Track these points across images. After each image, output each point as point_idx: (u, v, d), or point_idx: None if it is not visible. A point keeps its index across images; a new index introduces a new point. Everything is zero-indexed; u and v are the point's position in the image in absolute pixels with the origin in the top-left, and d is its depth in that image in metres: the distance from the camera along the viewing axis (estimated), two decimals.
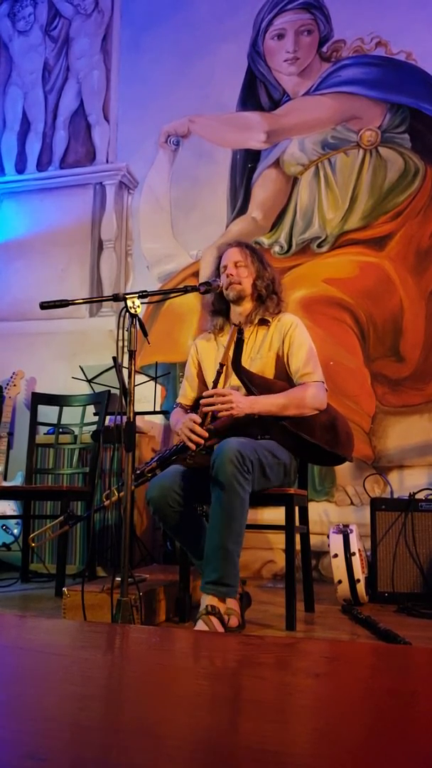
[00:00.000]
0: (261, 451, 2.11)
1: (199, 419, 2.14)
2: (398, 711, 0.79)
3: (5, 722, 0.71)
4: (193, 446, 2.11)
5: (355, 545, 2.61)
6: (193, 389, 2.49)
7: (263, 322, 2.37)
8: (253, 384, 2.23)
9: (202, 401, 2.17)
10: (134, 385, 1.83)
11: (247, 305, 2.39)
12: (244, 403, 2.14)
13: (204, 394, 2.21)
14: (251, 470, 2.02)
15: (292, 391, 2.23)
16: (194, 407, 2.42)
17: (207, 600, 1.96)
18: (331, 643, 1.65)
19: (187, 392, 2.50)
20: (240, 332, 2.27)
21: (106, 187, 4.28)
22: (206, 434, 2.11)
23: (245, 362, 2.30)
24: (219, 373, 2.23)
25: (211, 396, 2.16)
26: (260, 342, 2.36)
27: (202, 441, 2.11)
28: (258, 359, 2.33)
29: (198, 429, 2.12)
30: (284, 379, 2.31)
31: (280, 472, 2.23)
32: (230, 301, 2.40)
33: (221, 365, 2.23)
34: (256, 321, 2.37)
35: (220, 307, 2.44)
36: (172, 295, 2.26)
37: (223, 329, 2.44)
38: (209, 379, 2.42)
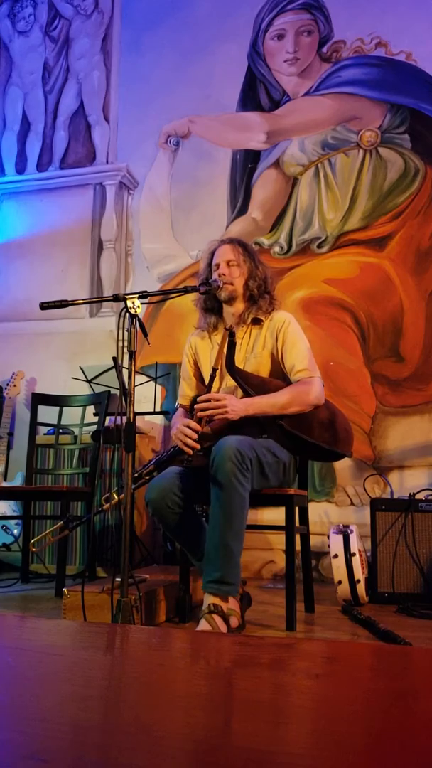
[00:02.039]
0: (260, 449, 2.11)
1: (194, 424, 2.13)
2: (398, 711, 0.79)
3: (6, 723, 0.71)
4: (189, 451, 2.11)
5: (355, 546, 2.61)
6: (192, 388, 2.47)
7: (256, 321, 2.36)
8: (248, 384, 2.22)
9: (196, 406, 2.16)
10: (134, 386, 1.83)
11: (239, 305, 2.37)
12: (238, 406, 2.13)
13: (198, 399, 2.20)
14: (250, 468, 2.01)
15: (293, 387, 2.22)
16: (192, 406, 2.41)
17: (209, 599, 1.96)
18: (331, 644, 1.65)
19: (185, 392, 2.48)
20: (231, 335, 2.25)
21: (106, 188, 4.28)
22: (202, 441, 2.11)
23: (239, 362, 2.29)
24: (212, 378, 2.22)
25: (206, 401, 2.15)
26: (254, 341, 2.34)
27: (198, 446, 2.10)
28: (252, 358, 2.32)
29: (193, 435, 2.10)
30: (279, 377, 2.30)
31: (280, 471, 2.22)
32: (222, 301, 2.38)
33: (214, 370, 2.22)
34: (249, 320, 2.35)
35: (212, 305, 2.42)
36: (172, 295, 2.26)
37: (217, 327, 2.43)
38: (206, 377, 2.42)
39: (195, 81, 4.13)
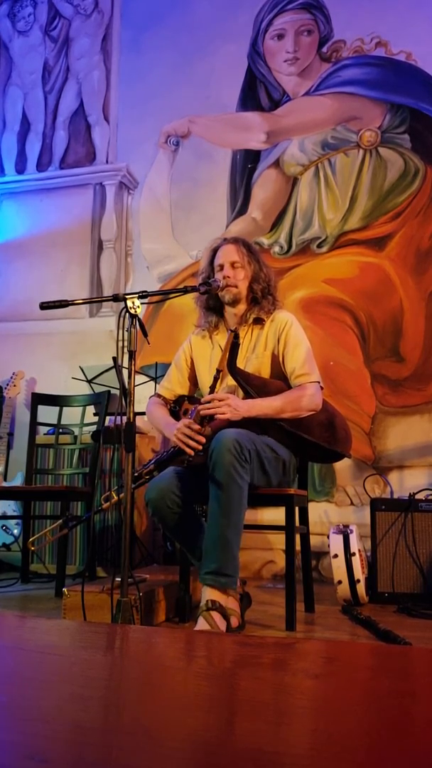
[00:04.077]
0: (260, 444, 2.11)
1: (195, 425, 2.13)
2: (398, 712, 0.79)
3: (5, 723, 0.71)
4: (191, 452, 2.10)
5: (355, 545, 2.61)
6: (180, 384, 2.45)
7: (258, 321, 2.35)
8: (249, 384, 2.22)
9: (199, 406, 2.16)
10: (134, 386, 1.83)
11: (242, 306, 2.36)
12: (241, 407, 2.13)
13: (202, 399, 2.19)
14: (249, 460, 2.01)
15: (288, 393, 2.22)
16: (177, 403, 2.40)
17: (207, 594, 1.95)
18: (331, 644, 1.65)
19: (173, 386, 2.45)
20: (236, 337, 2.25)
21: (106, 188, 4.28)
22: (204, 440, 2.10)
23: (240, 362, 2.29)
24: (216, 380, 2.21)
25: (209, 402, 2.15)
26: (255, 341, 2.34)
27: (200, 447, 2.10)
28: (253, 359, 2.32)
29: (195, 435, 2.10)
30: (280, 378, 2.30)
31: (279, 469, 2.22)
32: (225, 303, 2.37)
33: (218, 371, 2.22)
34: (251, 321, 2.35)
35: (214, 304, 2.41)
36: (172, 295, 2.26)
37: (218, 327, 2.42)
38: (202, 376, 2.41)
39: (195, 81, 4.13)
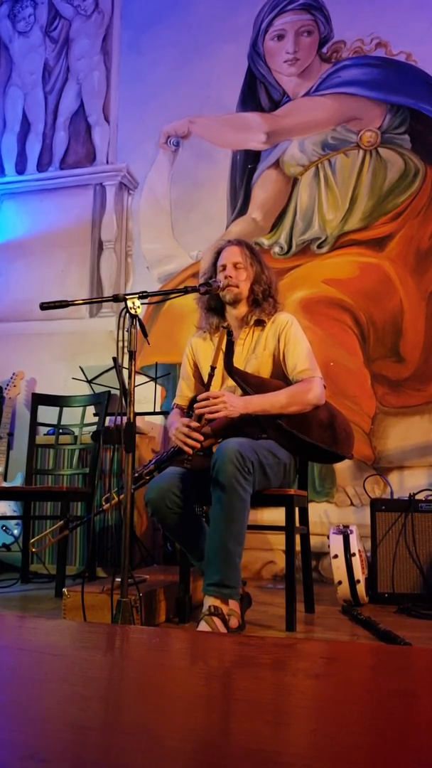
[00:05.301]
0: (261, 451, 2.11)
1: (193, 423, 2.13)
2: (398, 712, 0.79)
3: (5, 723, 0.71)
4: (189, 450, 2.10)
5: (355, 546, 2.61)
6: (190, 389, 2.46)
7: (259, 323, 2.36)
8: (247, 384, 2.22)
9: (195, 405, 2.16)
10: (134, 386, 1.83)
11: (243, 308, 2.37)
12: (237, 404, 2.13)
13: (198, 398, 2.20)
14: (252, 471, 2.01)
15: (293, 387, 2.22)
16: (191, 406, 2.41)
17: (209, 601, 1.97)
18: (331, 644, 1.65)
19: (183, 392, 2.48)
20: (229, 334, 2.25)
21: (106, 188, 4.28)
22: (201, 438, 2.10)
23: (240, 363, 2.29)
24: (211, 376, 2.22)
25: (205, 399, 2.15)
26: (255, 342, 2.35)
27: (198, 445, 2.10)
28: (253, 359, 2.32)
29: (193, 434, 2.11)
30: (280, 378, 2.30)
31: (280, 472, 2.22)
32: (226, 303, 2.38)
33: (212, 368, 2.22)
34: (252, 322, 2.35)
35: (215, 305, 2.41)
36: (172, 295, 2.26)
37: (219, 328, 2.43)
38: (206, 377, 2.41)
39: (195, 81, 4.13)
